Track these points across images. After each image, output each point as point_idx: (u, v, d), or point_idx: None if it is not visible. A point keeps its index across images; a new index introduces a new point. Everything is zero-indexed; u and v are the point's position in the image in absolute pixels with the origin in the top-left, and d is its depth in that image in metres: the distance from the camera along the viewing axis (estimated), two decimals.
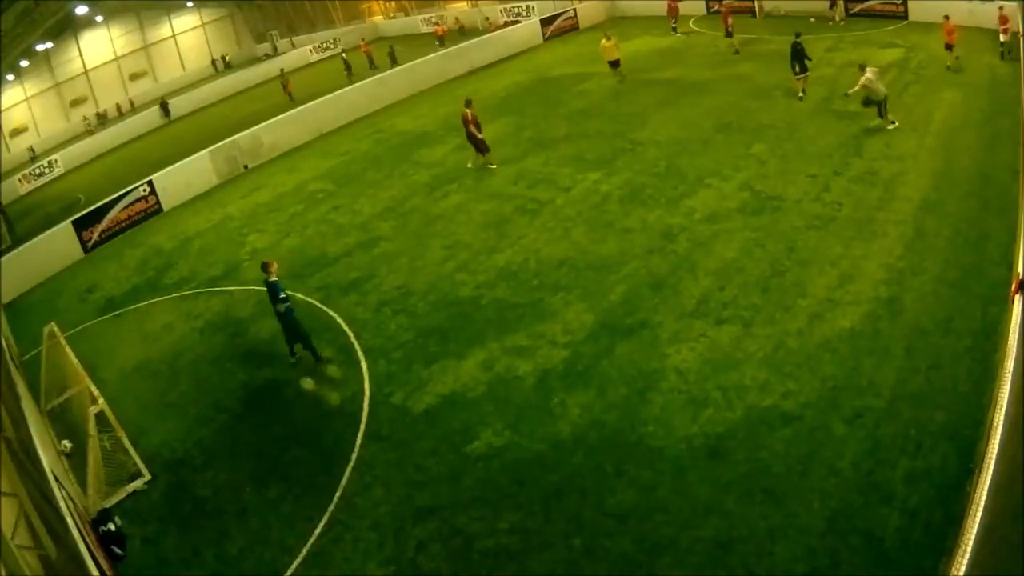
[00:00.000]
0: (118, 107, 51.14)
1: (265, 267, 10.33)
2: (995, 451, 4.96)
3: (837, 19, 24.33)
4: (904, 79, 17.03)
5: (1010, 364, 5.91)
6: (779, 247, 10.73)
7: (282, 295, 10.09)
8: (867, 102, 14.72)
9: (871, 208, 11.30)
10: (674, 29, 27.50)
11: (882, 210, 11.18)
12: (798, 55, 17.08)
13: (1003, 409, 5.31)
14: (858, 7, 24.24)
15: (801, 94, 17.14)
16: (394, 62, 32.74)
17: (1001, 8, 17.94)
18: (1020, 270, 7.07)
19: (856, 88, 14.39)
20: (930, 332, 8.27)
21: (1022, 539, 3.86)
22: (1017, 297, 6.70)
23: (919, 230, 10.43)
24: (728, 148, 14.84)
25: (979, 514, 4.50)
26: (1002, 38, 17.60)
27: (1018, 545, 3.84)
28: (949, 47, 17.62)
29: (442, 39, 36.77)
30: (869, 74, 14.23)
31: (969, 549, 4.32)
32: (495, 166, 16.61)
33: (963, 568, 4.25)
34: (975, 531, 4.41)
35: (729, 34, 23.69)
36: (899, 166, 12.53)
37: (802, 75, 17.23)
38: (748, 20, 27.20)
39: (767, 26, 25.62)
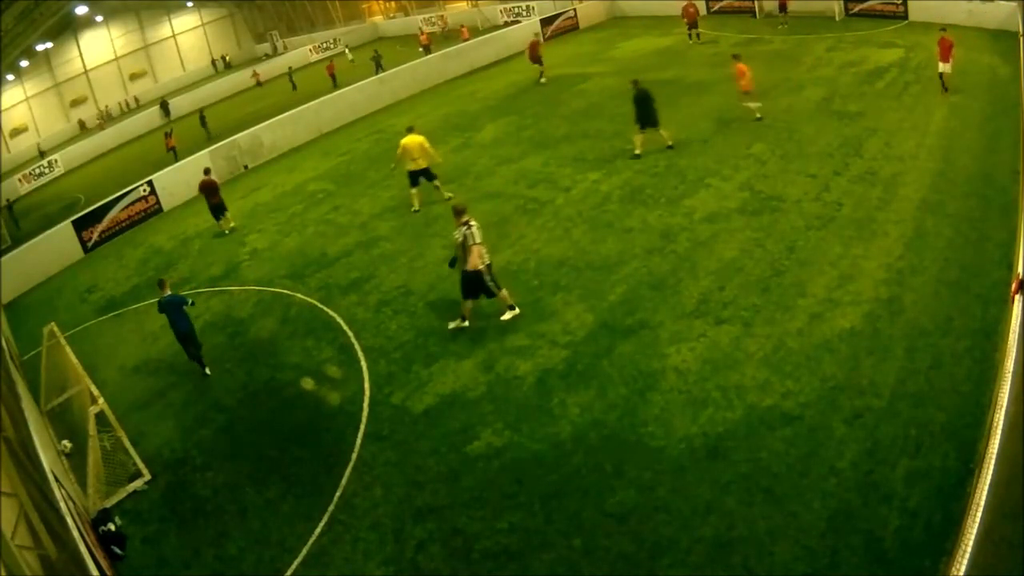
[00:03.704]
0: (136, 99, 51.63)
1: (161, 284, 10.93)
2: (995, 451, 4.96)
3: (759, 17, 23.98)
4: (904, 79, 17.03)
5: (1010, 364, 5.91)
6: (779, 247, 10.73)
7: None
8: (465, 277, 9.95)
9: (871, 208, 11.30)
10: (690, 36, 25.25)
11: (882, 210, 11.18)
12: (643, 103, 14.71)
13: (1003, 409, 5.31)
14: (858, 7, 24.25)
15: (638, 151, 14.92)
16: (379, 68, 31.75)
17: (943, 30, 15.75)
18: (1020, 270, 7.08)
19: (456, 236, 9.80)
20: (930, 332, 8.27)
21: (1022, 539, 3.87)
22: (1017, 297, 6.70)
23: (919, 230, 10.43)
24: (728, 148, 14.83)
25: (979, 514, 4.49)
26: (941, 68, 15.40)
27: (1018, 545, 3.85)
28: (747, 93, 15.64)
29: (427, 47, 33.72)
30: (472, 228, 9.72)
31: (969, 549, 4.32)
32: (227, 233, 16.77)
33: (963, 568, 4.25)
34: (975, 531, 4.40)
35: (536, 59, 23.77)
36: (899, 166, 12.53)
37: (649, 128, 14.72)
38: (748, 20, 27.26)
39: (767, 26, 25.61)
